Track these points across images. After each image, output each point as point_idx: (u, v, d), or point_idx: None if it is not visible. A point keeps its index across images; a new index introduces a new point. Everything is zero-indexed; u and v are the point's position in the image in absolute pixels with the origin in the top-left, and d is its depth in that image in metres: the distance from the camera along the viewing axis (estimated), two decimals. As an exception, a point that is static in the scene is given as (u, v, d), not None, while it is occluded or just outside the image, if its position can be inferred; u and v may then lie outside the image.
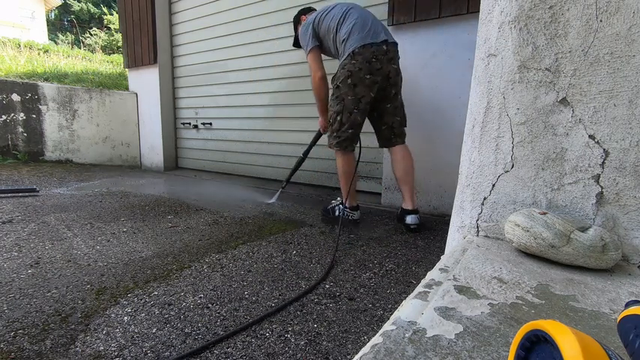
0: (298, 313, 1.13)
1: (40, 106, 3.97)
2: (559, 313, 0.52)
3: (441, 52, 2.21)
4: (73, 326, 1.05)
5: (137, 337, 1.00)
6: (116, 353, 0.93)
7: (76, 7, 18.82)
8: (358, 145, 2.06)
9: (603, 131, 0.72)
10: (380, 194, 2.61)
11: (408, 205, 1.98)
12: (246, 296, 1.23)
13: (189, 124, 4.18)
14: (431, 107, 2.29)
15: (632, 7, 0.67)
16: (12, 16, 12.94)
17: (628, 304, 0.40)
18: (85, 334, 1.01)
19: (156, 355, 0.93)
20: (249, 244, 1.74)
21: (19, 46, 7.55)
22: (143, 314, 1.11)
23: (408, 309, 0.52)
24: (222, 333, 1.02)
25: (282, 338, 1.00)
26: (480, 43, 0.86)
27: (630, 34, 0.68)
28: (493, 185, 0.85)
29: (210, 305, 1.17)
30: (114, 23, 15.75)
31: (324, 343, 0.99)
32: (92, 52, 10.24)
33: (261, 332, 1.03)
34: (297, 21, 2.29)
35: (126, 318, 1.09)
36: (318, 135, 2.39)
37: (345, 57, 1.88)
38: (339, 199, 2.18)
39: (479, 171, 0.87)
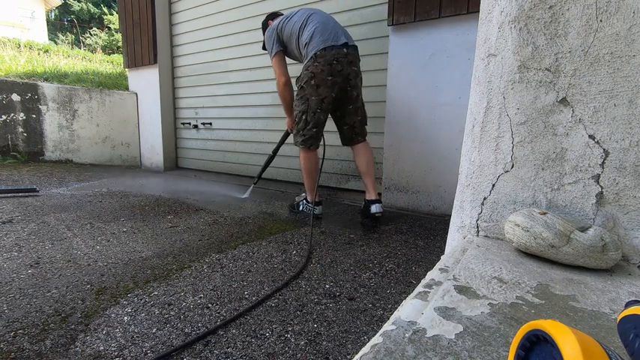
0: (298, 313, 1.13)
1: (40, 106, 3.97)
2: (559, 313, 0.52)
3: (441, 52, 2.21)
4: (73, 326, 1.05)
5: (137, 337, 1.00)
6: (116, 353, 0.93)
7: (76, 7, 18.83)
8: (322, 143, 2.18)
9: (603, 131, 0.72)
10: (379, 194, 2.61)
11: (371, 196, 2.08)
12: (246, 296, 1.23)
13: (189, 124, 4.18)
14: (431, 107, 2.29)
15: (632, 7, 0.67)
16: (12, 16, 12.94)
17: (628, 304, 0.40)
18: (85, 334, 1.01)
19: (156, 355, 0.93)
20: (249, 244, 1.74)
21: (19, 46, 7.55)
22: (143, 314, 1.11)
23: (408, 309, 0.52)
24: (221, 333, 1.02)
25: (282, 338, 1.00)
26: (480, 43, 0.86)
27: (630, 34, 0.68)
28: (493, 185, 0.85)
29: (210, 305, 1.17)
30: (114, 23, 15.77)
31: (324, 343, 0.99)
32: (92, 52, 10.25)
33: (261, 332, 1.03)
34: (264, 25, 2.38)
35: (126, 318, 1.09)
36: (287, 134, 2.50)
37: (307, 59, 1.98)
38: (303, 194, 2.32)
39: (479, 171, 0.87)
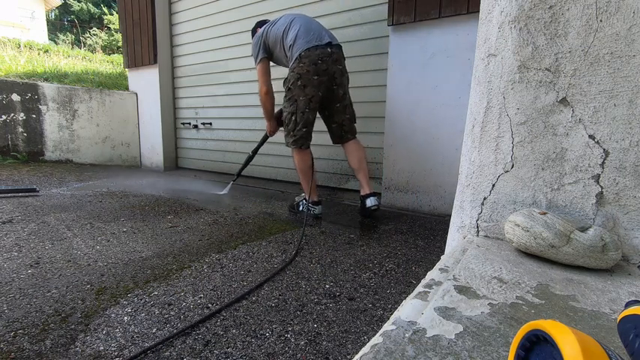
0: (298, 313, 1.13)
1: (40, 106, 3.97)
2: (559, 313, 0.52)
3: (441, 52, 2.21)
4: (73, 326, 1.05)
5: (137, 337, 1.00)
6: (116, 353, 0.93)
7: (76, 7, 18.83)
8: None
9: (603, 131, 0.72)
10: (380, 194, 2.61)
11: (365, 191, 2.11)
12: (246, 296, 1.23)
13: (189, 124, 4.18)
14: (431, 107, 2.29)
15: (632, 7, 0.67)
16: (12, 16, 12.94)
17: (628, 304, 0.40)
18: (85, 334, 1.01)
19: (156, 355, 0.93)
20: (249, 244, 1.74)
21: (19, 46, 7.55)
22: (143, 314, 1.11)
23: (408, 309, 0.52)
24: (221, 333, 1.02)
25: (282, 338, 1.00)
26: (480, 43, 0.86)
27: (630, 34, 0.68)
28: (493, 185, 0.85)
29: (210, 305, 1.17)
30: (114, 23, 15.77)
31: (324, 343, 0.99)
32: (92, 52, 10.25)
33: (261, 332, 1.03)
34: (253, 33, 2.41)
35: (126, 318, 1.09)
36: (266, 137, 2.63)
37: (293, 61, 2.01)
38: (303, 194, 2.33)
39: (479, 171, 0.87)
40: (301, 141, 2.10)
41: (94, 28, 16.43)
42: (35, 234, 1.81)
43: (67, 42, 12.82)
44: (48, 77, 4.57)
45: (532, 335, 0.33)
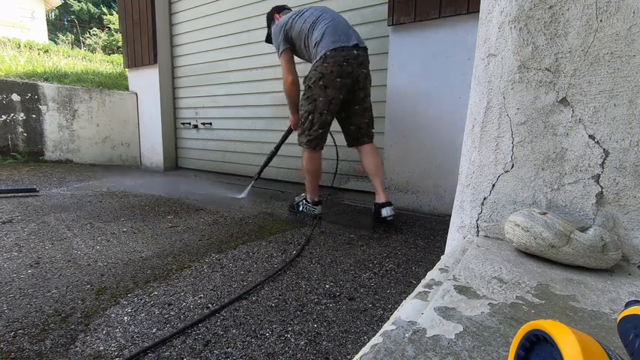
0: (298, 313, 1.13)
1: (40, 106, 3.97)
2: (559, 313, 0.52)
3: (441, 52, 2.21)
4: (73, 326, 1.05)
5: (137, 337, 1.00)
6: (116, 353, 0.93)
7: (76, 7, 18.84)
8: (334, 144, 2.17)
9: (603, 131, 0.72)
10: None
11: (381, 199, 2.05)
12: (246, 296, 1.23)
13: (189, 124, 4.18)
14: (431, 107, 2.29)
15: (632, 7, 0.67)
16: (12, 16, 12.94)
17: (628, 304, 0.40)
18: (85, 334, 1.01)
19: (156, 355, 0.93)
20: (249, 244, 1.74)
21: (19, 46, 7.55)
22: (143, 314, 1.11)
23: (408, 309, 0.52)
24: (221, 333, 1.02)
25: (282, 338, 1.00)
26: (480, 43, 0.86)
27: (630, 34, 0.68)
28: (493, 185, 0.85)
29: (210, 305, 1.17)
30: (114, 23, 15.77)
31: (324, 343, 0.99)
32: (92, 52, 10.25)
33: (261, 332, 1.03)
34: (270, 18, 2.32)
35: (126, 318, 1.09)
36: (289, 132, 2.50)
37: (317, 59, 1.94)
38: (302, 194, 2.32)
39: (479, 171, 0.87)
40: (315, 142, 2.05)
41: (94, 28, 16.44)
42: (35, 234, 1.81)
43: (67, 42, 12.82)
44: (48, 77, 4.57)
45: (532, 335, 0.33)
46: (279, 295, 1.24)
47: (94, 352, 0.94)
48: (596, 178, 0.74)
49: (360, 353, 0.43)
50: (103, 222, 2.06)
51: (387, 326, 0.48)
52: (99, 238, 1.78)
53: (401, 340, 0.44)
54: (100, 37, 15.67)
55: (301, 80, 2.11)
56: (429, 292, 0.58)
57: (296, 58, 2.19)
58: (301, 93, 2.11)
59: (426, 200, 2.38)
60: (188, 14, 3.95)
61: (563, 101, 0.75)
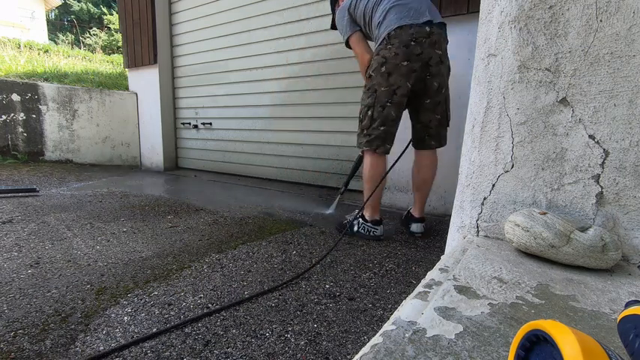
0: (298, 313, 1.13)
1: (40, 106, 3.97)
2: (559, 313, 0.52)
3: (441, 52, 2.20)
4: (73, 326, 1.05)
5: (137, 337, 1.00)
6: (116, 353, 0.93)
7: (76, 7, 18.84)
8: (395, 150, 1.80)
9: (603, 131, 0.72)
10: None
11: (415, 213, 1.90)
12: (247, 296, 1.23)
13: (189, 124, 4.18)
14: (431, 107, 2.28)
15: (632, 7, 0.67)
16: (12, 16, 12.94)
17: (628, 304, 0.40)
18: (85, 334, 1.01)
19: (156, 355, 0.93)
20: (249, 244, 1.74)
21: (19, 46, 7.55)
22: (143, 314, 1.11)
23: (408, 309, 0.52)
24: (221, 333, 1.02)
25: (282, 338, 1.00)
26: (480, 43, 0.86)
27: (630, 34, 0.68)
28: (493, 185, 0.85)
29: (210, 305, 1.17)
30: (114, 23, 15.77)
31: (324, 343, 0.99)
32: (92, 52, 10.25)
33: (261, 332, 1.03)
34: (334, 3, 2.04)
35: (126, 318, 1.09)
36: None
37: (379, 42, 1.64)
38: (356, 212, 1.92)
39: (479, 171, 0.87)
40: (377, 142, 1.68)
41: (94, 28, 16.44)
42: (35, 234, 1.81)
43: (67, 42, 12.82)
44: (48, 77, 4.57)
45: (532, 335, 0.33)
46: (279, 294, 1.24)
47: (94, 352, 0.94)
48: (596, 178, 0.74)
49: (360, 353, 0.43)
50: (103, 222, 2.06)
51: (387, 326, 0.48)
52: (99, 238, 1.78)
53: (401, 340, 0.44)
54: (100, 37, 15.67)
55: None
56: (429, 292, 0.58)
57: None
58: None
59: (426, 200, 2.38)
60: (188, 14, 3.95)
61: (563, 101, 0.75)
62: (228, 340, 0.99)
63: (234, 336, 1.01)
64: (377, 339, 0.45)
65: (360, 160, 2.21)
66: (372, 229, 1.81)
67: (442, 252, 1.04)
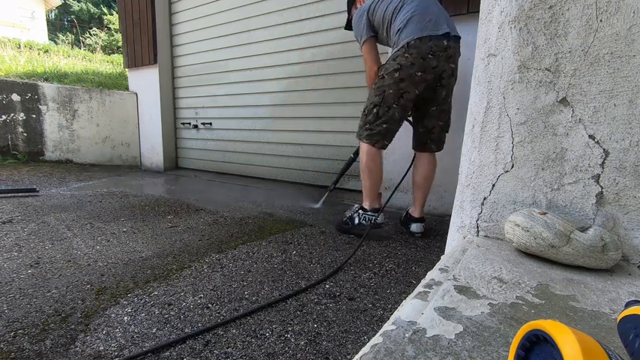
0: (298, 313, 1.13)
1: (40, 106, 3.97)
2: (559, 313, 0.52)
3: (441, 52, 2.20)
4: (73, 326, 1.05)
5: (137, 337, 1.00)
6: (116, 353, 0.93)
7: (76, 7, 18.84)
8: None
9: (603, 131, 0.72)
10: (380, 194, 2.61)
11: (415, 213, 1.91)
12: (246, 296, 1.23)
13: (189, 124, 4.18)
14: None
15: (632, 7, 0.67)
16: (12, 16, 12.94)
17: (628, 304, 0.40)
18: (85, 334, 1.01)
19: (156, 355, 0.93)
20: (249, 244, 1.74)
21: (19, 46, 7.55)
22: (143, 314, 1.11)
23: (408, 309, 0.52)
24: (221, 333, 1.02)
25: (282, 338, 1.00)
26: (480, 43, 0.86)
27: (630, 34, 0.68)
28: (493, 185, 0.85)
29: (210, 305, 1.17)
30: (114, 23, 15.78)
31: (324, 343, 0.99)
32: (92, 52, 10.25)
33: (261, 332, 1.03)
34: (351, 2, 2.07)
35: (126, 318, 1.09)
36: None
37: (398, 48, 1.69)
38: (355, 206, 1.97)
39: (479, 171, 0.87)
40: (376, 137, 1.77)
41: (94, 28, 16.45)
42: (35, 234, 1.81)
43: (67, 42, 12.82)
44: (48, 77, 4.57)
45: (532, 335, 0.33)
46: (279, 295, 1.24)
47: (94, 352, 0.94)
48: (596, 178, 0.74)
49: (360, 353, 0.43)
50: (103, 222, 2.06)
51: (387, 326, 0.48)
52: (99, 238, 1.78)
53: (401, 340, 0.44)
54: (100, 37, 15.68)
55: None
56: (429, 292, 0.58)
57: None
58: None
59: (427, 200, 2.38)
60: (188, 14, 3.95)
61: (563, 101, 0.75)
62: (228, 340, 0.99)
63: (234, 336, 1.01)
64: (377, 339, 0.45)
65: (350, 162, 2.37)
66: (373, 217, 1.86)
67: (442, 252, 1.04)
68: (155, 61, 4.09)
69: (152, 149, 4.42)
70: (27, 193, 2.63)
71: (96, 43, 14.75)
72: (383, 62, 1.84)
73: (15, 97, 3.85)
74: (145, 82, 4.32)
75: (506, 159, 0.83)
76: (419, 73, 1.66)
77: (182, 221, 2.12)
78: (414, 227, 1.90)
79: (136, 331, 1.03)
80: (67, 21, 20.20)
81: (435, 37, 1.63)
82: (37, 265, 1.45)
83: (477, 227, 0.88)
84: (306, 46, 3.07)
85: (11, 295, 1.21)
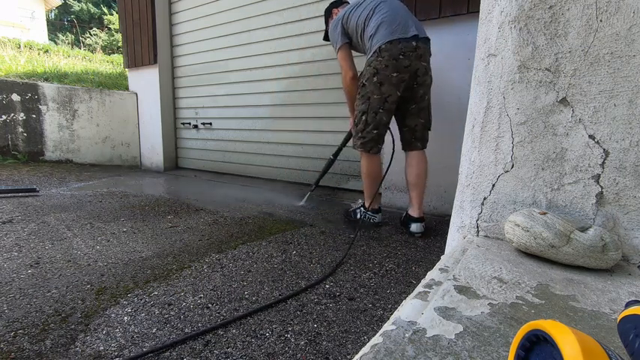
0: (298, 313, 1.13)
1: (40, 106, 3.97)
2: (559, 313, 0.52)
3: (441, 52, 2.21)
4: (73, 326, 1.05)
5: (137, 337, 1.00)
6: (116, 353, 0.93)
7: (76, 7, 18.84)
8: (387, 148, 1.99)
9: (603, 131, 0.72)
10: (380, 194, 2.61)
11: (414, 213, 1.92)
12: (246, 296, 1.23)
13: (189, 124, 4.18)
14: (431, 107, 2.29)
15: (632, 6, 0.67)
16: (12, 16, 12.94)
17: (628, 304, 0.40)
18: (85, 334, 1.01)
19: (156, 355, 0.93)
20: (249, 244, 1.74)
21: (19, 46, 7.55)
22: (143, 314, 1.11)
23: (408, 309, 0.52)
24: (221, 333, 1.02)
25: (282, 338, 1.00)
26: (480, 43, 0.86)
27: (630, 34, 0.68)
28: (493, 185, 0.85)
29: (210, 305, 1.17)
30: (114, 23, 15.78)
31: (324, 343, 0.99)
32: (92, 52, 10.25)
33: (261, 332, 1.03)
34: (328, 14, 2.21)
35: (126, 318, 1.09)
36: (349, 135, 2.26)
37: (371, 54, 1.80)
38: (360, 201, 2.13)
39: (479, 171, 0.87)
40: (370, 144, 1.88)
41: (94, 28, 16.45)
42: (35, 234, 1.81)
43: (67, 42, 12.82)
44: (48, 77, 4.57)
45: (532, 335, 0.33)
46: (279, 295, 1.24)
47: (94, 352, 0.94)
48: (596, 178, 0.74)
49: (360, 353, 0.43)
50: (103, 222, 2.06)
51: (387, 326, 0.48)
52: (99, 238, 1.78)
53: (401, 340, 0.44)
54: (100, 37, 15.68)
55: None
56: (429, 292, 0.58)
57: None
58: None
59: (427, 200, 2.38)
60: (188, 14, 3.95)
61: (563, 101, 0.75)
62: (228, 340, 0.99)
63: (234, 336, 1.01)
64: (377, 339, 0.45)
65: (330, 162, 2.53)
66: (372, 217, 2.05)
67: (442, 252, 1.04)
68: (155, 61, 4.09)
69: (152, 149, 4.42)
70: (27, 193, 2.63)
71: (96, 43, 14.75)
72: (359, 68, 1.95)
73: (15, 97, 3.85)
74: (145, 82, 4.32)
75: (506, 159, 0.83)
76: (395, 74, 1.76)
77: (182, 221, 2.12)
78: (414, 227, 1.91)
79: (136, 331, 1.03)
80: (67, 21, 20.20)
81: (404, 39, 1.74)
82: (37, 265, 1.45)
83: (477, 227, 0.88)
84: (306, 46, 3.07)
85: (11, 295, 1.21)
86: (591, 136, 0.73)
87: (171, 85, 4.28)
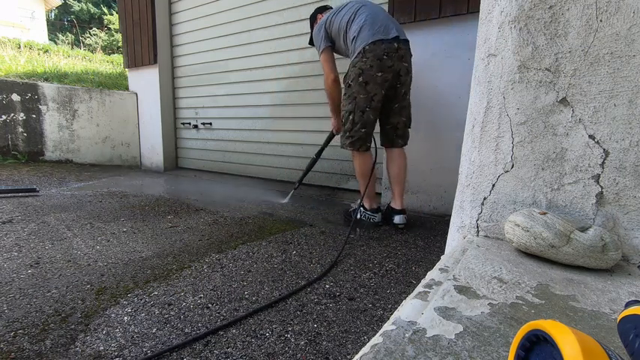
0: (298, 313, 1.13)
1: (40, 106, 3.97)
2: (559, 313, 0.52)
3: (441, 52, 2.21)
4: (73, 326, 1.05)
5: (137, 337, 1.00)
6: (116, 353, 0.93)
7: (76, 7, 18.84)
8: (373, 145, 2.05)
9: (603, 131, 0.72)
10: (379, 194, 2.61)
11: (396, 205, 2.01)
12: (246, 296, 1.23)
13: (189, 124, 4.18)
14: (431, 107, 2.29)
15: (632, 6, 0.67)
16: (12, 16, 12.94)
17: (628, 304, 0.40)
18: (85, 334, 1.01)
19: (156, 355, 0.93)
20: (249, 244, 1.74)
21: (19, 46, 7.55)
22: (143, 314, 1.11)
23: (408, 309, 0.52)
24: (221, 333, 1.02)
25: (282, 338, 1.00)
26: (480, 43, 0.86)
27: (630, 34, 0.68)
28: (493, 185, 0.85)
29: (210, 305, 1.17)
30: (114, 23, 15.78)
31: (324, 343, 0.99)
32: (92, 52, 10.25)
33: (261, 332, 1.03)
34: (313, 19, 2.28)
35: (126, 318, 1.09)
36: (331, 136, 2.37)
37: (355, 55, 1.86)
38: (359, 201, 2.16)
39: (479, 171, 0.87)
40: (359, 143, 1.94)
41: (94, 28, 16.45)
42: (35, 234, 1.81)
43: (67, 42, 12.82)
44: (48, 77, 4.57)
45: (532, 335, 0.33)
46: (279, 295, 1.24)
47: (94, 352, 0.94)
48: (596, 178, 0.74)
49: (360, 353, 0.43)
50: (103, 222, 2.06)
51: (387, 326, 0.48)
52: (99, 238, 1.78)
53: (401, 340, 0.44)
54: (100, 37, 15.68)
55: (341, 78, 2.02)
56: (429, 292, 0.58)
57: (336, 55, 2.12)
58: (342, 92, 2.03)
59: (426, 200, 2.38)
60: (188, 14, 3.95)
61: (563, 101, 0.75)
62: (228, 340, 0.99)
63: (234, 336, 1.01)
64: (377, 339, 0.45)
65: (313, 162, 2.57)
66: (372, 217, 2.08)
67: (442, 252, 1.04)
68: (155, 61, 4.09)
69: (152, 149, 4.42)
70: (27, 193, 2.63)
71: (96, 43, 14.75)
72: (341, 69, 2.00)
73: (15, 97, 3.85)
74: (145, 82, 4.31)
75: (506, 159, 0.83)
76: (379, 74, 1.82)
77: (182, 221, 2.12)
78: (397, 219, 1.99)
79: (136, 331, 1.03)
80: (67, 21, 20.19)
81: (386, 40, 1.81)
82: (37, 265, 1.45)
83: (477, 227, 0.88)
84: (306, 46, 3.07)
85: (11, 295, 1.21)
86: (591, 136, 0.73)
87: (171, 85, 4.28)
